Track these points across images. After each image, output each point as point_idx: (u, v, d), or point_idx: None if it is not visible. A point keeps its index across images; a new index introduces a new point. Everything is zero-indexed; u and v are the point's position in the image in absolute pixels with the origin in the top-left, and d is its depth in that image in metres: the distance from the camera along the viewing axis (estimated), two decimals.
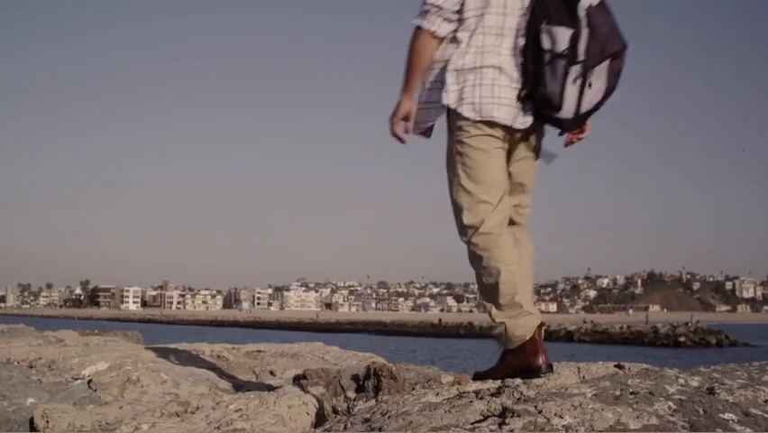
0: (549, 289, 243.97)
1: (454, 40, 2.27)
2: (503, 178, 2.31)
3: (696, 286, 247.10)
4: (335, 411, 3.25)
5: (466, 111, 2.23)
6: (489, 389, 2.44)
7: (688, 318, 60.64)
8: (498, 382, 2.36)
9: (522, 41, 2.19)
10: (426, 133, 2.43)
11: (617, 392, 1.96)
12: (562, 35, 2.09)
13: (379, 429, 2.07)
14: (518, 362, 2.29)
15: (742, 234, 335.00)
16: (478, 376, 2.50)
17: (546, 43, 2.11)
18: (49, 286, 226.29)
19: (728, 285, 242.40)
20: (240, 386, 3.84)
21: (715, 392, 1.95)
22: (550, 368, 2.30)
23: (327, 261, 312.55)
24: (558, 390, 2.12)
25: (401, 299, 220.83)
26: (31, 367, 4.17)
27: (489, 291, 2.35)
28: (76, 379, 3.77)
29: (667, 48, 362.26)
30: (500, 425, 1.79)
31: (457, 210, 2.34)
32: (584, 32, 2.09)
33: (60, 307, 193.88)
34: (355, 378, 3.52)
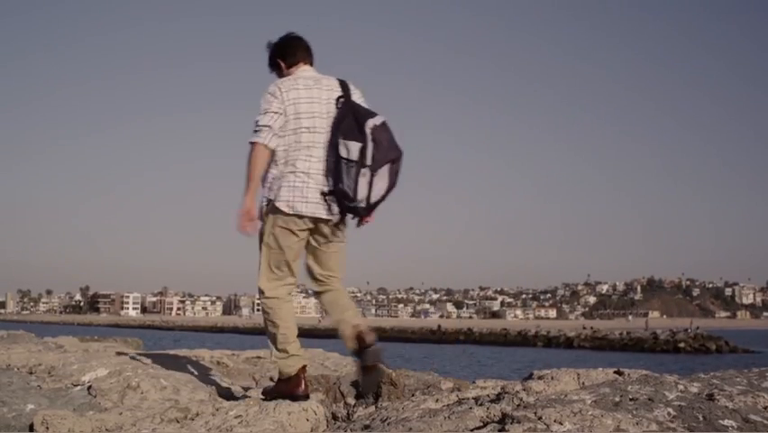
0: (548, 295, 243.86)
1: (276, 151, 3.04)
2: (296, 259, 3.08)
3: (695, 292, 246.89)
4: (335, 418, 3.25)
5: (282, 206, 2.98)
6: (488, 395, 2.45)
7: (687, 325, 60.60)
8: (498, 389, 2.37)
9: (326, 153, 2.97)
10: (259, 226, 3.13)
11: (617, 399, 1.96)
12: (354, 147, 2.89)
13: None
14: (286, 389, 3.06)
15: (741, 241, 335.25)
16: (264, 392, 3.28)
17: (343, 153, 2.91)
18: (48, 292, 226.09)
19: (728, 291, 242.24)
20: (239, 392, 3.84)
21: (714, 399, 1.95)
22: (307, 397, 3.04)
23: None
24: (558, 396, 2.12)
25: (401, 306, 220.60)
26: (30, 373, 4.17)
27: (271, 338, 3.13)
28: (75, 385, 3.77)
29: (667, 53, 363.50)
30: (500, 431, 1.79)
31: (258, 274, 3.13)
32: (370, 145, 2.89)
33: (60, 313, 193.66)
34: (355, 384, 3.52)
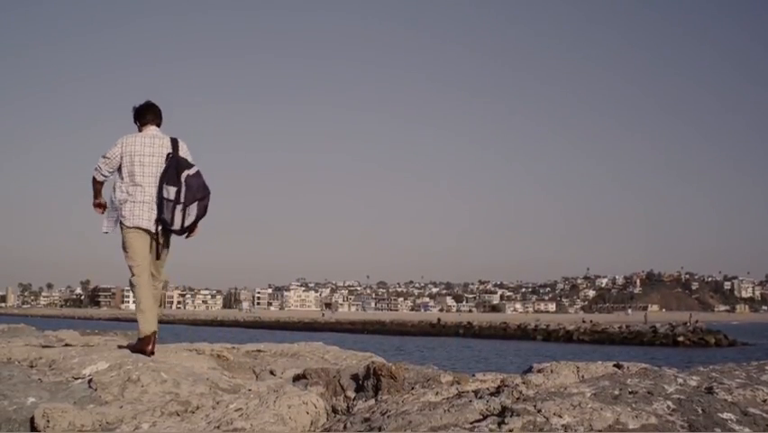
0: (548, 288, 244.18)
1: (119, 183, 4.40)
2: (145, 254, 4.36)
3: (695, 286, 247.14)
4: (335, 411, 3.26)
5: (127, 222, 4.33)
6: (488, 389, 2.45)
7: (686, 318, 60.66)
8: (498, 382, 2.37)
9: (155, 191, 4.28)
10: (112, 229, 4.46)
11: (616, 392, 1.96)
12: (172, 190, 4.23)
13: (379, 429, 2.08)
14: (140, 346, 4.26)
15: (740, 235, 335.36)
16: (127, 346, 4.57)
17: (164, 194, 4.24)
18: (49, 286, 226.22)
19: (727, 285, 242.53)
20: (240, 386, 3.84)
21: (713, 392, 1.96)
22: (152, 354, 4.21)
23: (327, 261, 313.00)
24: (557, 389, 2.13)
25: (400, 299, 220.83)
26: (31, 367, 4.18)
27: (137, 306, 4.38)
28: (76, 378, 3.78)
29: (666, 49, 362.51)
30: (499, 424, 1.80)
31: (127, 261, 4.41)
32: (183, 189, 4.23)
33: (61, 307, 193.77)
34: (355, 378, 3.53)
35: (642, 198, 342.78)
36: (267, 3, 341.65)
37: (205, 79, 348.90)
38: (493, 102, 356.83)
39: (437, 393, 2.76)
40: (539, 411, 1.81)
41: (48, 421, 2.88)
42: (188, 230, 4.32)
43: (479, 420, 1.95)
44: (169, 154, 4.32)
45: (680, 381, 2.10)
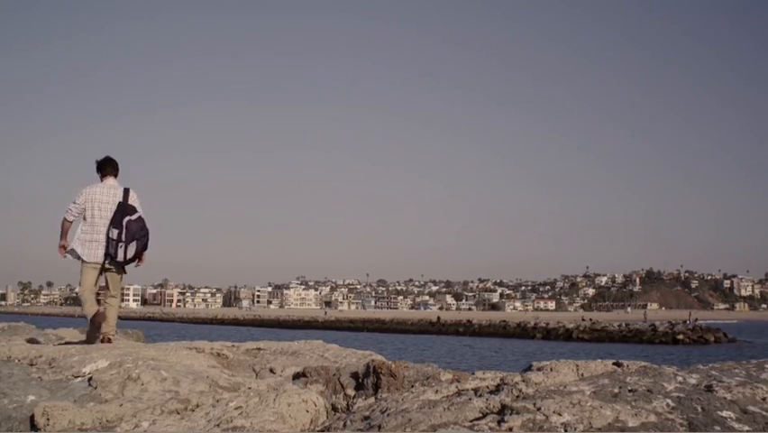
0: (548, 287, 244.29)
1: (82, 224, 5.48)
2: (92, 283, 5.49)
3: (694, 284, 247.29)
4: (335, 409, 3.26)
5: (84, 257, 5.44)
6: (488, 387, 2.45)
7: (686, 316, 60.70)
8: (498, 380, 2.38)
9: (105, 231, 5.38)
10: (76, 257, 5.51)
11: (616, 390, 1.97)
12: (115, 232, 5.36)
13: (379, 427, 2.08)
14: (89, 339, 5.52)
15: (740, 233, 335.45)
16: (84, 341, 5.72)
17: (111, 234, 5.36)
18: (49, 284, 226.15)
19: (726, 283, 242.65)
20: (240, 384, 3.85)
21: (713, 390, 1.96)
22: (103, 341, 5.38)
23: (327, 259, 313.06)
24: (557, 387, 2.13)
25: (400, 298, 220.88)
26: (31, 365, 4.18)
27: (85, 313, 5.48)
28: (76, 377, 3.78)
29: (665, 48, 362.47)
30: (499, 422, 1.80)
31: (80, 284, 5.54)
32: (124, 231, 5.37)
33: (61, 305, 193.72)
34: (355, 376, 3.53)
35: (641, 197, 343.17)
36: (267, 3, 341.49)
37: (206, 78, 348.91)
38: (493, 101, 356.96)
39: (437, 391, 2.76)
40: (539, 409, 1.82)
41: (48, 419, 2.88)
42: (131, 261, 5.48)
43: (478, 418, 1.96)
44: (120, 202, 5.46)
45: (679, 379, 2.10)
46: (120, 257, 5.33)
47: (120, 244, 5.31)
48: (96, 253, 5.40)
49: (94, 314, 5.37)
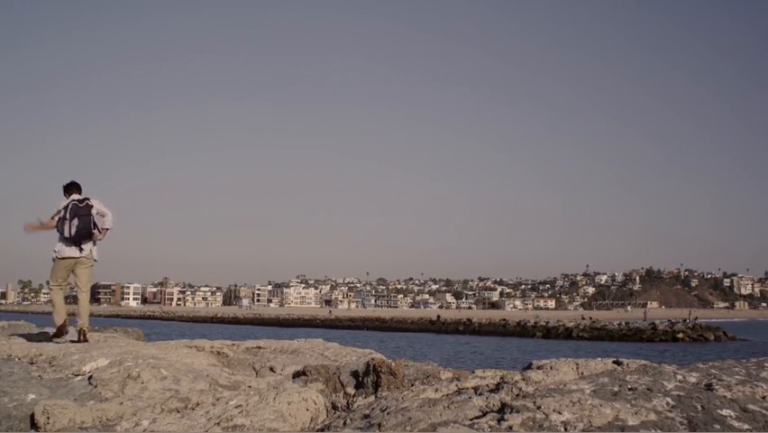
0: (548, 285, 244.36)
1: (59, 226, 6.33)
2: (63, 276, 6.32)
3: (694, 283, 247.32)
4: (335, 407, 3.26)
5: (57, 255, 6.26)
6: (488, 385, 2.46)
7: (686, 315, 60.70)
8: (498, 379, 2.38)
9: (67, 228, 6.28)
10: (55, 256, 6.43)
11: (616, 388, 1.97)
12: (66, 214, 6.25)
13: (379, 425, 2.08)
14: (57, 333, 6.14)
15: (740, 232, 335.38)
16: (51, 335, 6.36)
17: (66, 218, 6.27)
18: (49, 283, 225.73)
19: (726, 282, 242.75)
20: (240, 382, 3.85)
21: (713, 388, 1.96)
22: (61, 334, 6.14)
23: (327, 258, 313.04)
24: (557, 386, 2.13)
25: (400, 296, 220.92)
26: (31, 363, 4.19)
27: (53, 306, 6.37)
28: (76, 375, 3.78)
29: (665, 48, 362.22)
30: (499, 421, 1.80)
31: (50, 279, 6.39)
32: (69, 210, 6.23)
33: None
34: (354, 374, 3.53)
35: (641, 196, 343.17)
36: (267, 2, 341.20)
37: (206, 77, 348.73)
38: (493, 100, 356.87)
39: (437, 390, 2.76)
40: (538, 408, 1.82)
41: (48, 418, 2.88)
42: (80, 237, 6.20)
43: (478, 417, 1.96)
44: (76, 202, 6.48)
45: (679, 377, 2.10)
46: (66, 232, 6.12)
47: (65, 222, 6.16)
48: (67, 250, 6.23)
49: (60, 324, 6.14)
